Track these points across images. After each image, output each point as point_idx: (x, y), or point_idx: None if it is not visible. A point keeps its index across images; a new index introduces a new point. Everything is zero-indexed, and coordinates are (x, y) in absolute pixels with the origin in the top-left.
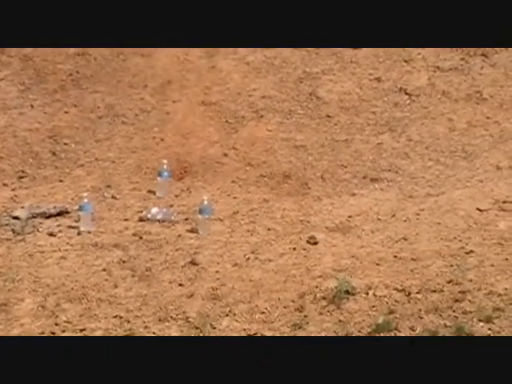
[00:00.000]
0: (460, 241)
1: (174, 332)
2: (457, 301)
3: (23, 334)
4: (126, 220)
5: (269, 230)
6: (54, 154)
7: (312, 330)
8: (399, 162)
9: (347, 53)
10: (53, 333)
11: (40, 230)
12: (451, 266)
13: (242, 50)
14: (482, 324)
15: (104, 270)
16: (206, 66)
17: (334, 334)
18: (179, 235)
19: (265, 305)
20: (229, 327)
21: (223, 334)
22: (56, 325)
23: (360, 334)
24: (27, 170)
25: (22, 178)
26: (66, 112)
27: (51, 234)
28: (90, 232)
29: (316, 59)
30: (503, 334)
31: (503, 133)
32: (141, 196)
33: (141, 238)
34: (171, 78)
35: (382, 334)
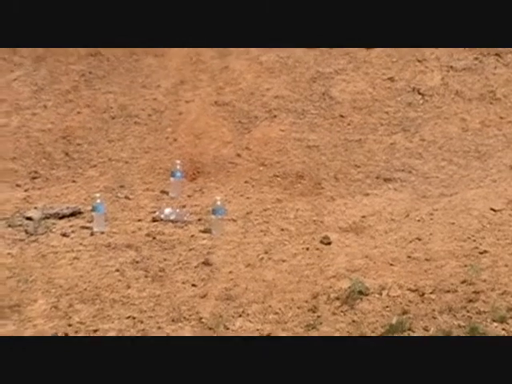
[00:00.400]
0: (474, 241)
1: (187, 332)
2: (471, 301)
3: (36, 335)
4: (139, 220)
5: (282, 230)
6: (66, 154)
7: (326, 331)
8: (412, 162)
9: (360, 53)
10: (66, 334)
11: (53, 230)
12: (465, 266)
13: (254, 50)
14: (495, 324)
15: (117, 270)
16: (219, 66)
17: (347, 335)
18: (192, 236)
19: (278, 305)
20: (242, 328)
21: (236, 335)
22: (69, 326)
23: (374, 335)
24: (40, 171)
25: (34, 178)
26: (78, 112)
27: (64, 235)
28: (103, 232)
29: (329, 59)
30: None
31: None
32: (154, 196)
33: (154, 238)
34: (184, 79)
35: (395, 335)
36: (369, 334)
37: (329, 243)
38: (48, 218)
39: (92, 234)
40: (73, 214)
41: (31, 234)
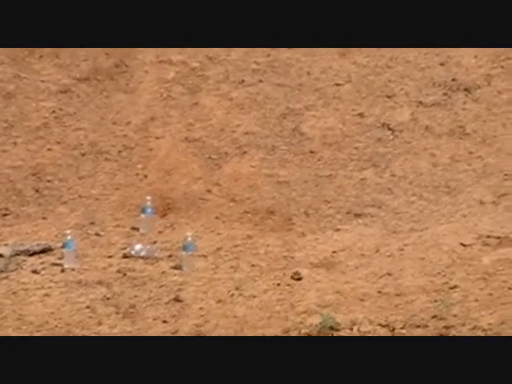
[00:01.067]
0: (444, 276)
1: None
2: (441, 336)
3: None
4: (109, 257)
5: (253, 266)
6: (37, 191)
7: None
8: (383, 198)
9: (330, 89)
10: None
11: (24, 267)
12: (435, 301)
13: (224, 86)
14: None
15: (88, 307)
16: (189, 103)
17: None
18: (163, 272)
19: None
20: None
21: None
22: None
23: None
24: (10, 208)
25: (5, 215)
26: (49, 149)
27: (35, 272)
28: (73, 269)
29: (299, 95)
30: None
31: (486, 168)
32: (124, 233)
33: (125, 274)
34: (154, 115)
35: None
36: None
37: (299, 279)
38: (18, 254)
39: (63, 271)
40: (43, 251)
41: (2, 271)
